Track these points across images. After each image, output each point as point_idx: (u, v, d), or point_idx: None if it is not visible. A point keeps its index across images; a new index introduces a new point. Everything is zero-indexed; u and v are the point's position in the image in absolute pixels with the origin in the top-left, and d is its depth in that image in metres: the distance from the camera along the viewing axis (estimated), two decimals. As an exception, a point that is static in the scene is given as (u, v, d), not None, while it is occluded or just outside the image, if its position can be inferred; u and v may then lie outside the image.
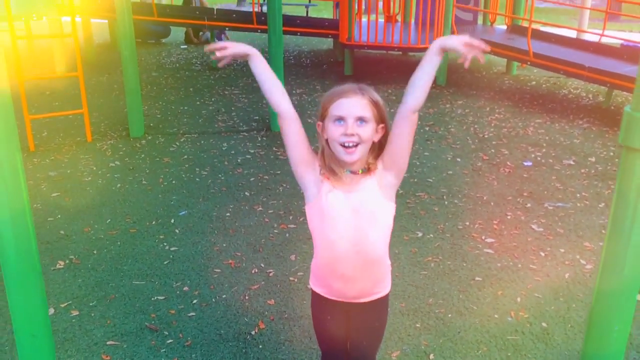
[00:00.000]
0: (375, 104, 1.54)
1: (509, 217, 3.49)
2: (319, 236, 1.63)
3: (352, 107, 1.51)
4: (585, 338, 1.61)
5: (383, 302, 1.72)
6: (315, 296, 1.73)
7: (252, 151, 4.69)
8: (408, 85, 1.52)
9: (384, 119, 1.57)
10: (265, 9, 12.06)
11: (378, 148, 1.59)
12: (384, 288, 1.70)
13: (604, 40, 6.89)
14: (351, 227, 1.57)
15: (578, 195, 3.82)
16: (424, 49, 7.13)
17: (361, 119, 1.51)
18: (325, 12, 13.79)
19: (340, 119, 1.51)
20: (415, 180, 4.05)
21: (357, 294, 1.66)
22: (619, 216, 1.33)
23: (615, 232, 1.36)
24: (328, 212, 1.57)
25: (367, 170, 1.57)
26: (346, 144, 1.50)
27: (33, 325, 1.56)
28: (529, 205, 3.65)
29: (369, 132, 1.52)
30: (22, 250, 1.48)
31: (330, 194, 1.56)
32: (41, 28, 10.46)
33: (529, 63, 6.45)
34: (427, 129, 5.26)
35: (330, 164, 1.56)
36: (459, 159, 4.50)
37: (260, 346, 2.33)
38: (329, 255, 1.63)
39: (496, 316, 2.51)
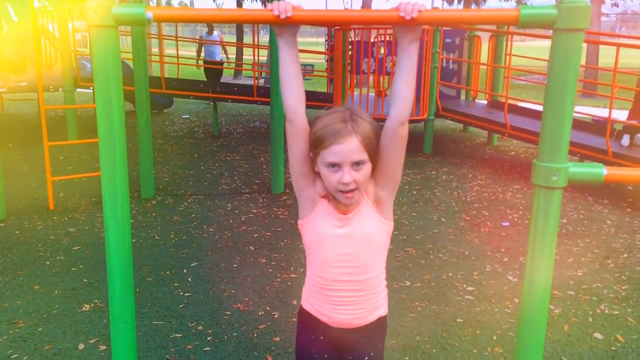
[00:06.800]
0: (369, 140, 1.44)
1: (487, 269, 3.89)
2: (311, 254, 1.59)
3: (348, 153, 1.42)
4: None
5: (379, 326, 1.64)
6: (305, 315, 1.66)
7: (255, 211, 5.11)
8: (390, 96, 1.46)
9: (379, 144, 1.49)
10: (262, 82, 12.89)
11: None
12: (378, 311, 1.64)
13: (577, 115, 7.53)
14: (343, 249, 1.53)
15: (550, 251, 4.24)
16: (411, 121, 7.75)
17: (358, 164, 1.43)
18: (319, 85, 14.63)
19: (334, 165, 1.44)
20: (404, 237, 4.47)
21: (349, 318, 1.59)
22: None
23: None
24: (321, 232, 1.53)
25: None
26: (344, 190, 1.45)
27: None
28: (505, 259, 4.06)
29: (367, 172, 1.46)
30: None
31: (325, 214, 1.52)
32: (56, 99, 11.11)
33: (507, 135, 7.05)
34: (414, 192, 5.73)
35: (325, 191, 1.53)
36: (443, 219, 4.94)
37: (269, 375, 2.65)
38: (319, 276, 1.58)
39: (475, 351, 2.86)
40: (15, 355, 2.77)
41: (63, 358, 2.76)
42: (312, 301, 1.63)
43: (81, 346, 2.87)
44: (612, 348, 2.90)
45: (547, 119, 1.47)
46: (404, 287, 3.58)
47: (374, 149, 1.46)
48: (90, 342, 2.92)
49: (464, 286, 3.61)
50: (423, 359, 2.79)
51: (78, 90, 8.47)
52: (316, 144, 1.46)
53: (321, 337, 1.63)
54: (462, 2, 21.29)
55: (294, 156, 1.52)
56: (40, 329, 3.02)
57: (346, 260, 1.54)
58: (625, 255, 4.17)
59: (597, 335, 3.03)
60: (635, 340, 2.99)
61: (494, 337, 3.00)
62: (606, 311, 3.30)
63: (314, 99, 9.02)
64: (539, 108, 8.25)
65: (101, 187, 1.74)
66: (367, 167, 1.46)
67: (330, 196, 1.53)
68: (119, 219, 1.78)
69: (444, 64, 8.65)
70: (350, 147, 1.41)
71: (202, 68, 11.56)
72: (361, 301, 1.59)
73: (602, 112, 7.35)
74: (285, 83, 1.48)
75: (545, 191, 1.50)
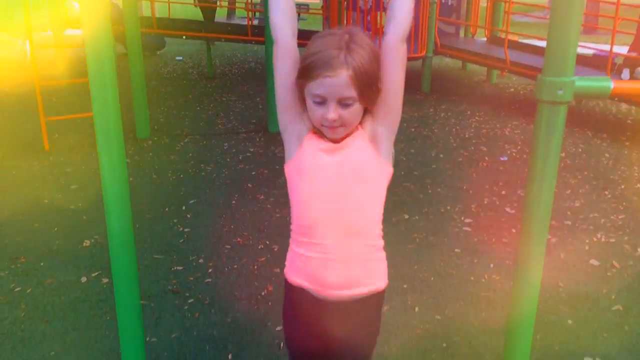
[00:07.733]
0: (363, 75, 1.29)
1: (485, 202, 3.90)
2: (296, 195, 1.41)
3: (335, 87, 1.28)
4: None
5: (375, 301, 1.45)
6: (289, 289, 1.49)
7: (252, 150, 5.08)
8: (387, 13, 1.35)
9: (379, 78, 1.34)
10: (257, 22, 12.57)
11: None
12: (376, 280, 1.44)
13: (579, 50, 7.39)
14: (333, 181, 1.36)
15: (548, 184, 4.25)
16: (409, 59, 7.59)
17: (345, 101, 1.30)
18: (315, 25, 14.26)
19: (319, 98, 1.31)
20: (402, 173, 4.46)
21: (340, 279, 1.39)
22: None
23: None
24: (308, 166, 1.38)
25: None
26: (329, 126, 1.33)
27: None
28: (503, 192, 4.07)
29: (355, 111, 1.33)
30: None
31: (313, 146, 1.38)
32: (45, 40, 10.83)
33: (506, 70, 6.93)
34: (412, 130, 5.69)
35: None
36: (441, 155, 4.93)
37: (270, 303, 2.70)
38: (306, 216, 1.39)
39: (472, 278, 2.91)
40: (18, 289, 2.80)
41: (66, 290, 2.80)
42: (299, 266, 1.43)
43: (83, 279, 2.91)
44: (608, 274, 2.95)
45: (553, 31, 1.42)
46: (403, 220, 3.60)
47: (367, 84, 1.31)
48: (93, 275, 2.95)
49: (462, 218, 3.63)
50: (421, 286, 2.84)
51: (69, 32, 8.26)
52: (303, 73, 1.32)
53: (311, 314, 1.45)
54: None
55: (279, 82, 1.38)
56: (42, 264, 3.05)
57: (336, 193, 1.36)
58: (622, 187, 4.19)
59: (593, 261, 3.07)
60: (631, 266, 3.03)
61: (491, 265, 3.04)
62: (602, 239, 3.34)
63: (310, 38, 8.82)
64: (540, 44, 8.09)
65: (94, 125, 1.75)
66: (357, 107, 1.33)
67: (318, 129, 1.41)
68: (113, 156, 1.80)
69: (443, 0, 8.41)
70: (338, 82, 1.27)
71: (197, 8, 11.33)
72: (354, 249, 1.39)
73: (603, 48, 7.21)
74: (273, 2, 1.38)
75: (550, 107, 1.47)
